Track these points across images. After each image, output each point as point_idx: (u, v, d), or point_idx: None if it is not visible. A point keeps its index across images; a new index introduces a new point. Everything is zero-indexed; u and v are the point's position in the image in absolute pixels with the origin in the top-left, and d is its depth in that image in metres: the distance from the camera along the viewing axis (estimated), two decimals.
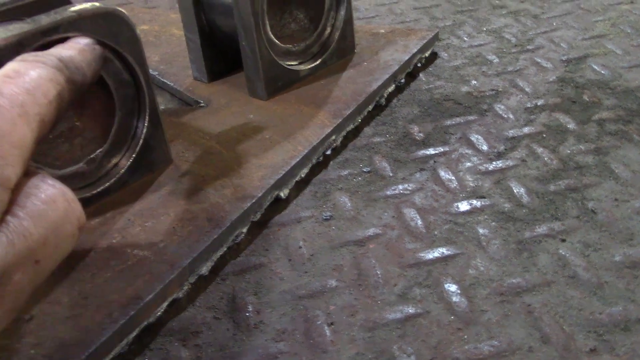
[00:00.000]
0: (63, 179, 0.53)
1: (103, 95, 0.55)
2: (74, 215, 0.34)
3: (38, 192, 0.32)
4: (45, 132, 0.35)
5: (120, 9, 0.52)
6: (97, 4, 0.51)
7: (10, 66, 0.36)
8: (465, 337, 0.43)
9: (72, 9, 0.50)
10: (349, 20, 0.75)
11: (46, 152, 0.55)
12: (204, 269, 0.49)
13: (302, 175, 0.59)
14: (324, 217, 0.55)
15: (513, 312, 0.44)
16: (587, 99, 0.69)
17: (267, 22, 0.66)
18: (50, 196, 0.33)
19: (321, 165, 0.62)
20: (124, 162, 0.56)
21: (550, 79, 0.74)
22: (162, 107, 0.68)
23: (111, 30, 0.52)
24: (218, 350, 0.43)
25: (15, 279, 0.31)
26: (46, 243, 0.32)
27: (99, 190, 0.55)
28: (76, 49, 0.42)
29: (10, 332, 0.43)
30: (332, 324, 0.45)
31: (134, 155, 0.57)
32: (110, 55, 0.53)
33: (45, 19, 0.49)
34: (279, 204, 0.57)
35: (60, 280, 0.47)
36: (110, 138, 0.56)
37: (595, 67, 0.75)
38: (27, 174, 0.33)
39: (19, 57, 0.38)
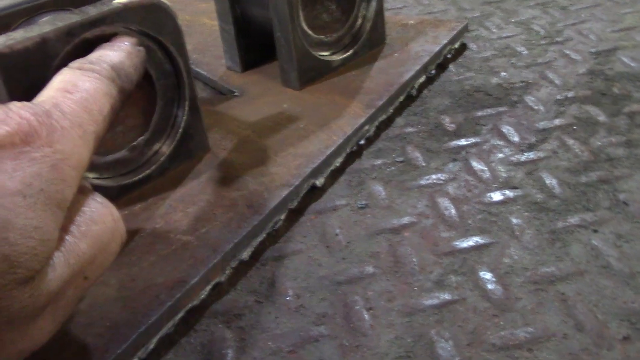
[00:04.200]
0: (106, 166, 0.55)
1: (144, 84, 0.57)
2: (119, 233, 0.35)
3: (89, 211, 0.34)
4: (99, 146, 0.36)
5: (163, 0, 0.53)
6: None
7: (68, 77, 0.36)
8: (501, 323, 0.44)
9: (118, 0, 0.51)
10: (380, 11, 0.76)
11: None
12: (245, 254, 0.51)
13: (337, 164, 0.61)
14: (359, 206, 0.56)
15: (547, 300, 0.45)
16: (617, 92, 0.69)
17: (301, 12, 0.67)
18: (101, 215, 0.34)
19: (355, 154, 0.63)
20: (165, 149, 0.58)
21: (580, 71, 0.74)
22: None
23: (155, 22, 0.53)
24: (261, 333, 0.45)
25: (68, 294, 0.32)
26: (95, 260, 0.33)
27: (140, 176, 0.57)
28: (125, 51, 0.42)
29: None
30: (370, 308, 0.46)
31: (174, 143, 0.58)
32: (153, 46, 0.54)
33: (92, 10, 0.50)
34: (314, 192, 0.58)
35: None
36: (152, 126, 0.57)
37: (625, 59, 0.75)
38: (79, 189, 0.34)
39: (74, 64, 0.38)
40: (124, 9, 0.51)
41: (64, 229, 0.32)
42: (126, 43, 0.44)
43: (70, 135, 0.32)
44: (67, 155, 0.31)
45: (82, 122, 0.34)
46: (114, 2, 0.51)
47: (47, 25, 0.48)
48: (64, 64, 0.49)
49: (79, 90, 0.35)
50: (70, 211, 0.33)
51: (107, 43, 0.45)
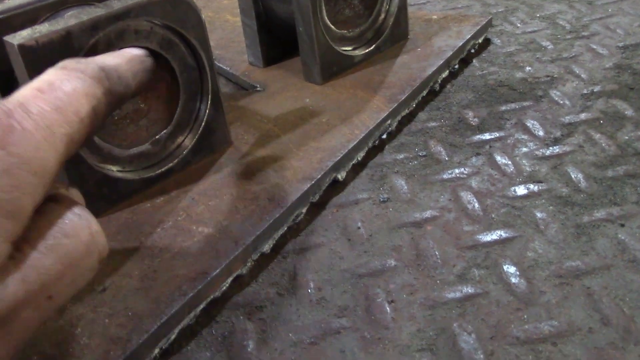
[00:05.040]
0: (130, 159, 0.55)
1: (168, 78, 0.57)
2: (96, 248, 0.32)
3: (62, 223, 0.30)
4: (75, 150, 0.33)
5: None
6: None
7: (47, 76, 0.33)
8: (525, 317, 0.43)
9: None
10: (403, 6, 0.76)
11: (114, 133, 0.57)
12: (266, 247, 0.51)
13: (359, 159, 0.60)
14: (381, 199, 0.56)
15: (572, 294, 0.44)
16: None
17: (323, 7, 0.67)
18: (75, 228, 0.31)
19: (377, 149, 0.63)
20: (187, 143, 0.58)
21: (607, 66, 0.73)
22: None
23: (178, 15, 0.54)
24: (282, 324, 0.45)
25: (24, 315, 0.29)
26: (62, 278, 0.30)
27: (163, 170, 0.57)
28: (124, 57, 0.39)
29: (85, 302, 0.45)
30: (392, 301, 0.46)
31: (196, 137, 0.58)
32: (176, 40, 0.55)
33: (117, 4, 0.51)
34: (336, 186, 0.58)
35: (130, 255, 0.49)
36: (175, 120, 0.57)
37: None
38: (56, 198, 0.31)
39: (60, 64, 0.35)
40: (149, 3, 0.51)
41: (27, 241, 0.29)
42: (130, 51, 0.40)
43: (33, 137, 0.29)
44: (25, 160, 0.28)
45: (51, 124, 0.30)
46: None
47: (72, 19, 0.49)
48: (89, 57, 0.50)
49: (54, 89, 0.32)
50: (38, 222, 0.30)
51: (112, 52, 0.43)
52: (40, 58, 0.46)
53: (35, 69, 0.46)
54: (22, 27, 0.53)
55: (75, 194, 0.34)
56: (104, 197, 0.54)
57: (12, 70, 0.48)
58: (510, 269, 0.47)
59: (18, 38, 0.46)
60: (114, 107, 0.36)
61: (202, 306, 0.46)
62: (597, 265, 0.47)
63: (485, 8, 0.92)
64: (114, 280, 0.47)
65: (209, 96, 0.58)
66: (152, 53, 0.54)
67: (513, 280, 0.46)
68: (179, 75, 0.56)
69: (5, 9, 0.53)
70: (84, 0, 0.56)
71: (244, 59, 0.79)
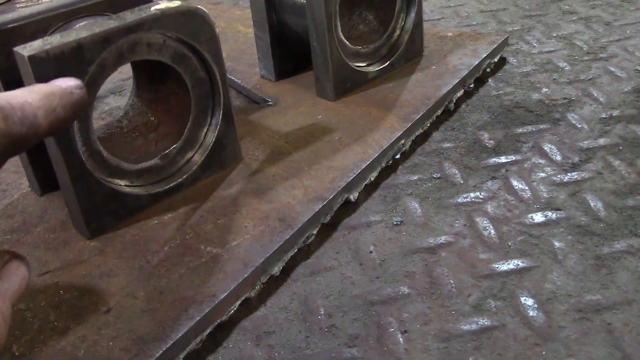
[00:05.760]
0: (138, 173, 0.54)
1: (179, 92, 0.56)
2: None
3: None
4: None
5: (202, 8, 0.53)
6: (179, 2, 0.52)
7: None
8: (543, 353, 0.42)
9: (156, 7, 0.51)
10: (418, 24, 0.74)
11: (123, 146, 0.56)
12: (276, 269, 0.49)
13: (372, 179, 0.59)
14: (394, 222, 0.54)
15: (592, 330, 0.43)
16: None
17: (338, 23, 0.66)
18: None
19: (390, 169, 0.61)
20: (197, 158, 0.57)
21: (625, 89, 0.72)
22: None
23: (192, 29, 0.52)
24: (290, 352, 0.43)
25: None
26: None
27: (171, 185, 0.56)
28: (39, 93, 0.33)
29: (89, 323, 0.44)
30: (405, 331, 0.44)
31: (206, 152, 0.57)
32: (189, 53, 0.53)
33: (130, 16, 0.49)
34: (348, 207, 0.56)
35: (136, 274, 0.48)
36: (185, 135, 0.56)
37: None
38: None
39: None
40: (162, 16, 0.50)
41: None
42: (53, 85, 0.34)
43: None
44: None
45: None
46: (152, 8, 0.50)
47: (83, 30, 0.47)
48: (100, 69, 0.49)
49: None
50: None
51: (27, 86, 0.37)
52: (50, 70, 0.45)
53: (45, 80, 0.45)
54: (34, 36, 0.52)
55: (13, 269, 0.30)
56: (111, 213, 0.52)
57: (21, 80, 0.46)
58: (528, 301, 0.45)
59: (29, 49, 0.45)
60: (16, 148, 0.31)
61: (208, 330, 0.45)
62: (618, 299, 0.45)
63: (500, 26, 0.91)
64: (119, 300, 0.46)
65: (221, 111, 0.57)
66: (163, 66, 0.53)
67: (531, 313, 0.45)
68: (191, 89, 0.55)
69: (17, 17, 0.52)
70: (97, 10, 0.55)
71: (255, 71, 0.77)
